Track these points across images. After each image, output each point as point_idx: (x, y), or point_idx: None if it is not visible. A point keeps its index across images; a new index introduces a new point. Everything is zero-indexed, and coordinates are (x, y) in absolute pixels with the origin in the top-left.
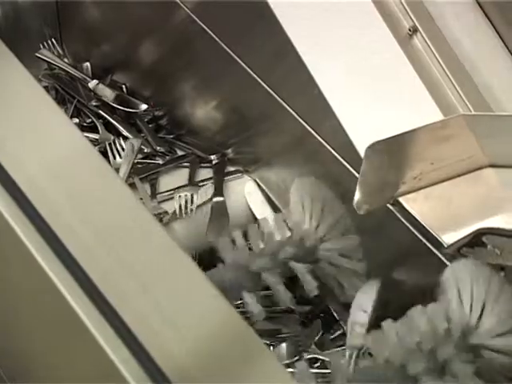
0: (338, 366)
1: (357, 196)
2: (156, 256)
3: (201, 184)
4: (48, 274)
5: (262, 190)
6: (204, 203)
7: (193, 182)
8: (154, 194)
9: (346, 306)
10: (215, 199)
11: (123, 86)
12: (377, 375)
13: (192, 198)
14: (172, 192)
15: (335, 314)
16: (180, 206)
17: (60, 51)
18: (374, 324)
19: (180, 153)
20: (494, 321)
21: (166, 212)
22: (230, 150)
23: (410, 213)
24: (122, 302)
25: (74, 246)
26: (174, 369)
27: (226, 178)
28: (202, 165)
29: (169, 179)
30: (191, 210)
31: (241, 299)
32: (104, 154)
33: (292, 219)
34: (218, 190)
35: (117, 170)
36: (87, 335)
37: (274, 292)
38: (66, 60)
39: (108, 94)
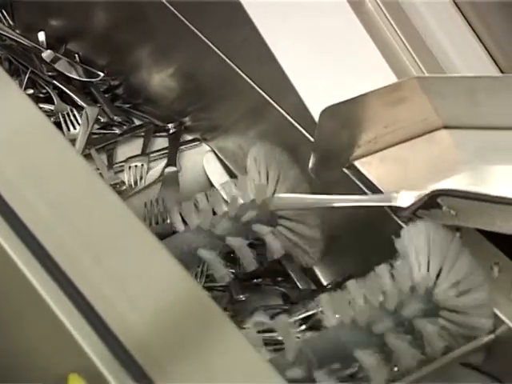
0: (286, 331)
1: (312, 161)
2: (112, 225)
3: (154, 154)
4: (2, 245)
5: (220, 159)
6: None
7: (145, 152)
8: (110, 165)
9: (305, 271)
10: (167, 169)
11: (77, 56)
12: (342, 336)
13: (142, 168)
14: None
15: (295, 279)
16: (132, 177)
17: (11, 22)
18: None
19: (137, 122)
20: (452, 282)
21: (123, 182)
22: (187, 119)
23: (365, 176)
24: (77, 273)
25: (29, 218)
26: (132, 338)
27: (183, 147)
28: (158, 134)
29: (127, 149)
30: (141, 179)
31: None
32: (60, 124)
33: (252, 184)
34: (171, 160)
35: (73, 140)
36: (43, 306)
37: (237, 255)
38: (17, 31)
39: (62, 63)
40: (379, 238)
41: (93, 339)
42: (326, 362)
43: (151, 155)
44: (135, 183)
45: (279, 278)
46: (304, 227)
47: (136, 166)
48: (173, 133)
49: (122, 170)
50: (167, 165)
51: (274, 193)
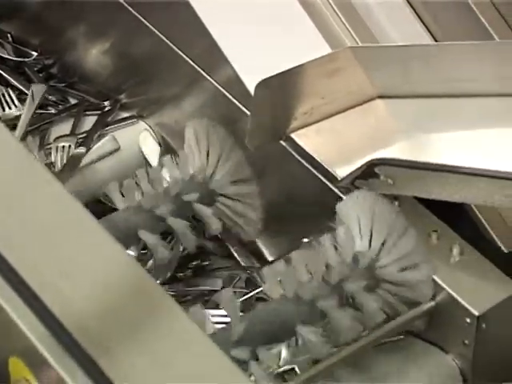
0: (230, 305)
1: (249, 134)
2: (48, 205)
3: (81, 133)
4: None
5: (160, 138)
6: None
7: (73, 132)
8: (41, 146)
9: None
10: (76, 150)
11: (10, 35)
12: (285, 310)
13: (70, 148)
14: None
15: (236, 255)
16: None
17: None
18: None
19: (73, 101)
20: (395, 255)
21: (52, 163)
22: (123, 96)
23: (302, 148)
24: (13, 252)
25: None
26: (73, 320)
27: (120, 125)
28: (90, 112)
29: (64, 128)
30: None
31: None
32: None
33: (193, 162)
34: (87, 142)
35: (9, 120)
36: None
37: (179, 235)
38: None
39: None
40: (320, 210)
41: (33, 322)
42: (269, 337)
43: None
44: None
45: (222, 259)
46: (244, 205)
47: (63, 146)
48: (107, 111)
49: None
50: (79, 145)
51: (214, 172)
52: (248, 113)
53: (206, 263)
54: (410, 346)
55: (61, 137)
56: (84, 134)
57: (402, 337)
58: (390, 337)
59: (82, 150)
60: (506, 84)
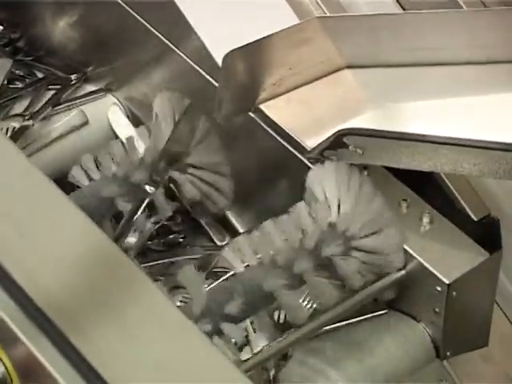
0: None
1: (217, 106)
2: (12, 179)
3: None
4: None
5: (129, 111)
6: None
7: (27, 109)
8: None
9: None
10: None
11: None
12: (261, 276)
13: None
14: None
15: (208, 230)
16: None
17: None
18: None
19: (40, 75)
20: (363, 222)
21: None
22: (90, 69)
23: (271, 119)
24: None
25: None
26: (44, 296)
27: (88, 99)
28: (52, 87)
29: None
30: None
31: None
32: None
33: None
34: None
35: None
36: None
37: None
38: None
39: None
40: (290, 180)
41: (2, 298)
42: (247, 304)
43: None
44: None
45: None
46: (214, 175)
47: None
48: (71, 84)
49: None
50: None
51: (187, 144)
52: (216, 85)
53: (181, 239)
54: (382, 316)
55: (13, 116)
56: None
57: (374, 307)
58: (360, 306)
59: (29, 123)
60: (474, 52)
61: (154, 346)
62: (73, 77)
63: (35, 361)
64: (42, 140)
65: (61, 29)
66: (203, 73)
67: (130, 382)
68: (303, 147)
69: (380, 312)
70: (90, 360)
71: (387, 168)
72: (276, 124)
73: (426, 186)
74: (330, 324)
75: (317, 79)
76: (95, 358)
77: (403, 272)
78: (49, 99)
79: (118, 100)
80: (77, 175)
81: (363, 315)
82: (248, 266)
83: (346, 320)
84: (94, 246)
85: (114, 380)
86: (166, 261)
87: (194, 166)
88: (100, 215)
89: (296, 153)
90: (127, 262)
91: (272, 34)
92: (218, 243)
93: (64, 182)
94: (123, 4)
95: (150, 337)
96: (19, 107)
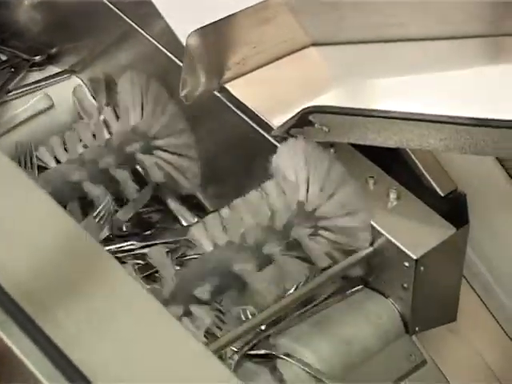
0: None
1: (183, 86)
2: None
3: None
4: None
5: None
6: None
7: None
8: None
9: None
10: None
11: None
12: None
13: None
14: None
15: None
16: None
17: None
18: None
19: (4, 58)
20: (331, 201)
21: None
22: (54, 51)
23: (237, 99)
24: None
25: None
26: (7, 277)
27: (52, 81)
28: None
29: None
30: None
31: None
32: None
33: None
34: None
35: None
36: None
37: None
38: None
39: None
40: (257, 160)
41: None
42: (216, 284)
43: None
44: None
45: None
46: (181, 157)
47: None
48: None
49: None
50: None
51: (150, 125)
52: (181, 65)
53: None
54: (351, 293)
55: None
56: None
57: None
58: (329, 283)
59: None
60: (438, 28)
61: (121, 329)
62: (36, 58)
63: (3, 344)
64: (7, 124)
65: (24, 11)
66: (168, 53)
67: (99, 364)
68: (269, 126)
69: (355, 289)
70: (58, 343)
71: (353, 145)
72: (242, 103)
73: (392, 163)
74: (299, 302)
75: (282, 57)
76: (63, 342)
77: (371, 249)
78: (7, 79)
79: (83, 81)
80: (43, 157)
81: (337, 293)
82: (217, 245)
83: (316, 299)
84: (60, 230)
85: (82, 362)
86: (137, 244)
87: (161, 149)
88: (67, 198)
89: (262, 132)
90: (94, 246)
91: (235, 13)
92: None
93: None
94: None
95: (118, 320)
96: None
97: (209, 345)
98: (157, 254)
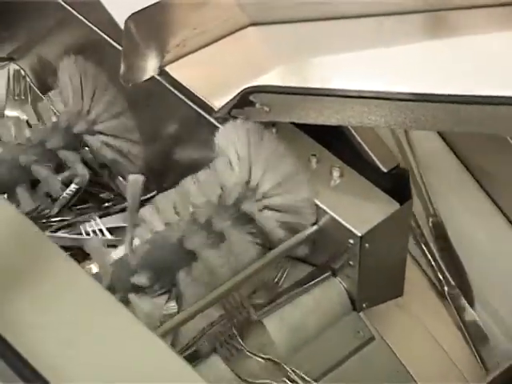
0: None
1: (123, 70)
2: None
3: None
4: None
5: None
6: None
7: None
8: None
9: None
10: None
11: None
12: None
13: None
14: None
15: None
16: None
17: None
18: None
19: None
20: (274, 181)
21: None
22: None
23: (177, 81)
24: None
25: None
26: None
27: None
28: None
29: None
30: None
31: None
32: None
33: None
34: None
35: None
36: None
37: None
38: None
39: None
40: (201, 141)
41: None
42: (166, 267)
43: None
44: None
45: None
46: (122, 140)
47: None
48: None
49: None
50: None
51: (90, 109)
52: (120, 48)
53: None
54: (298, 272)
55: None
56: None
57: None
58: (275, 263)
59: None
60: (377, 4)
61: (67, 317)
62: None
63: None
64: None
65: None
66: (107, 37)
67: (44, 353)
68: (210, 107)
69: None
70: (3, 334)
71: (295, 124)
72: (182, 85)
73: (334, 140)
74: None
75: (221, 38)
76: (8, 332)
77: (316, 227)
78: None
79: (22, 68)
80: None
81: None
82: (168, 224)
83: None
84: (2, 219)
85: (27, 352)
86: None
87: (102, 133)
88: (14, 182)
89: (204, 113)
90: (37, 233)
91: None
92: None
93: None
94: None
95: (63, 308)
96: None
97: (156, 327)
98: (94, 243)
